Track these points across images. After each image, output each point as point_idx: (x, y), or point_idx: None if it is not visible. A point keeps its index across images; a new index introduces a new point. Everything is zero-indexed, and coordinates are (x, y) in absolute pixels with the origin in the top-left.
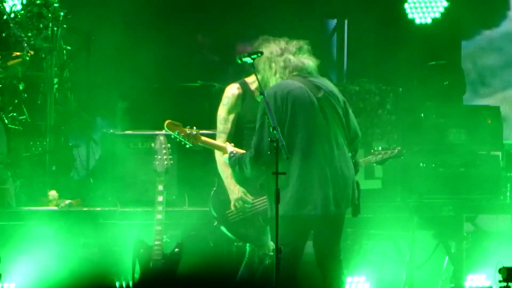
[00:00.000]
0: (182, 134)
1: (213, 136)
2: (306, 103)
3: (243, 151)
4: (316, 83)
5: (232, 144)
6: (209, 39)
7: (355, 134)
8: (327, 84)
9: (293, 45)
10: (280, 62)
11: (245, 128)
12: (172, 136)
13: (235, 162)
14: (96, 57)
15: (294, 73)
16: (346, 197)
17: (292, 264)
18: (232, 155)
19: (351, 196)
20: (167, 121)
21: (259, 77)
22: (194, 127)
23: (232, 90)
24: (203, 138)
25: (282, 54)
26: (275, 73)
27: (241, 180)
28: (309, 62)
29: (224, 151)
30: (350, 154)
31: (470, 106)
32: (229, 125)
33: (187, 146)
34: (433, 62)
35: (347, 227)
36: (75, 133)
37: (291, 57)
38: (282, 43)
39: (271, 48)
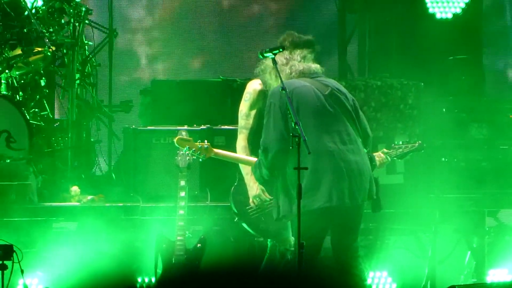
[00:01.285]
0: (194, 148)
1: (235, 131)
2: (312, 99)
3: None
4: (323, 81)
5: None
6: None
7: (366, 133)
8: (335, 83)
9: (297, 54)
10: (286, 70)
11: None
12: (183, 152)
13: (255, 166)
14: (118, 52)
15: (300, 77)
16: (363, 190)
17: (310, 260)
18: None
19: (369, 190)
20: (177, 138)
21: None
22: (205, 140)
23: (253, 86)
24: (215, 150)
25: (287, 63)
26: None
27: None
28: (316, 66)
29: (237, 161)
30: (365, 150)
31: (492, 100)
32: (250, 121)
33: (200, 160)
34: (454, 57)
35: (369, 223)
36: (97, 129)
37: (296, 63)
38: (286, 53)
39: (276, 59)
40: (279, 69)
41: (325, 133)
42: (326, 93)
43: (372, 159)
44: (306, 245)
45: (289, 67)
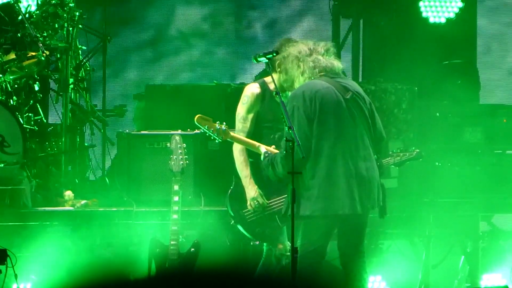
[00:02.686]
0: (212, 129)
1: None
2: (333, 102)
3: (276, 151)
4: (344, 84)
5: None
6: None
7: (380, 135)
8: (354, 85)
9: (321, 46)
10: (309, 62)
11: (264, 128)
12: (202, 131)
13: (268, 162)
14: (111, 57)
15: (322, 74)
16: (372, 198)
17: (315, 263)
18: (266, 155)
19: (377, 197)
20: (197, 116)
21: (276, 76)
22: (224, 123)
23: (252, 89)
24: (232, 133)
25: (311, 54)
26: (303, 73)
27: (260, 180)
28: (338, 63)
29: (253, 148)
30: (375, 156)
31: (486, 105)
32: (248, 124)
33: (217, 141)
34: (448, 61)
35: None
36: (91, 133)
37: (320, 57)
38: (310, 43)
39: (300, 47)
40: (302, 59)
41: (342, 137)
42: (347, 97)
43: (381, 166)
44: (311, 249)
45: (313, 61)
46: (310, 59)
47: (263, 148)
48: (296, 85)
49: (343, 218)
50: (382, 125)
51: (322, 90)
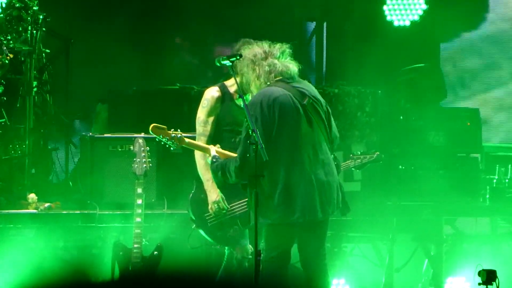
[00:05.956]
0: (167, 137)
1: (192, 139)
2: (291, 110)
3: (228, 153)
4: (300, 89)
5: (218, 145)
6: (187, 42)
7: (335, 135)
8: (310, 89)
9: (277, 48)
10: (265, 66)
11: (224, 131)
12: (157, 139)
13: (218, 168)
14: (75, 60)
15: (278, 78)
16: (333, 202)
17: (280, 267)
18: (214, 160)
19: (336, 200)
20: (152, 125)
21: (239, 79)
22: (179, 130)
23: (211, 93)
24: (187, 140)
25: (266, 58)
26: (258, 77)
27: (222, 184)
28: (293, 66)
29: (208, 153)
30: (332, 155)
31: (449, 108)
32: (208, 128)
33: (172, 149)
34: (414, 66)
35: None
36: (54, 136)
37: (276, 61)
38: (265, 46)
39: (255, 50)
40: (257, 63)
41: (300, 144)
42: (305, 102)
43: (338, 165)
44: (274, 254)
45: (268, 65)
46: (266, 63)
47: (213, 151)
48: (253, 88)
49: (306, 225)
50: (345, 129)
51: (280, 97)
